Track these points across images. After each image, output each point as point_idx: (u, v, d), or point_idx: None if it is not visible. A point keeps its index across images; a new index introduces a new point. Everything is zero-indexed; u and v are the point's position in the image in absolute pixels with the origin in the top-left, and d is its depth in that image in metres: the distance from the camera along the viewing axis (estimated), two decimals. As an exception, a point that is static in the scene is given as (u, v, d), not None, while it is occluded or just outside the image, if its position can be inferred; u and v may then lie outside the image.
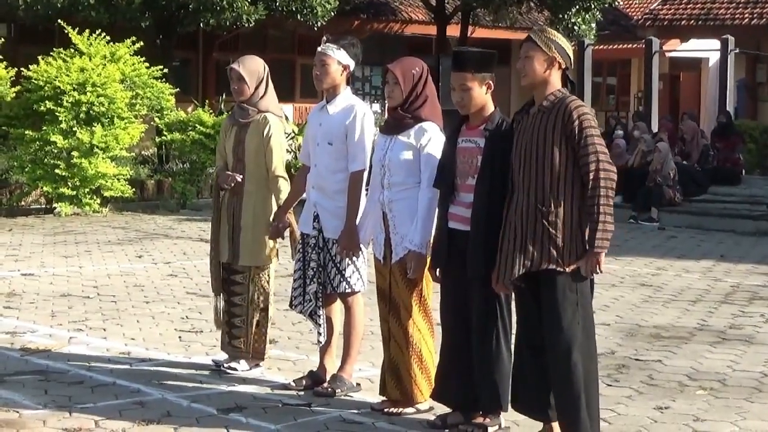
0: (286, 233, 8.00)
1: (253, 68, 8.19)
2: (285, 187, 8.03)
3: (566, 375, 6.25)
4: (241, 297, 8.18)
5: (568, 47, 6.43)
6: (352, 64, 7.72)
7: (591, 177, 6.19)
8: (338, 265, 7.60)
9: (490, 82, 6.79)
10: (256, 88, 8.17)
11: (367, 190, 7.49)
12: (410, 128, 7.12)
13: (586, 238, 6.24)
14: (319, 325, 7.77)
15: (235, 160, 8.19)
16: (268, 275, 8.20)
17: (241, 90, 8.16)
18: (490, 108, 6.81)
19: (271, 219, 8.04)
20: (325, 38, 7.77)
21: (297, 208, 7.95)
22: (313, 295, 7.69)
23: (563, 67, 6.40)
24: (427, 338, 7.17)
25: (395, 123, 7.20)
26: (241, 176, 8.13)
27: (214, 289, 8.34)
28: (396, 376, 7.19)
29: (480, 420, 6.83)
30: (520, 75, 6.44)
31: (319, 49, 7.71)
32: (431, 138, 7.06)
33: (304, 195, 7.86)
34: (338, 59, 7.65)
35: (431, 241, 6.97)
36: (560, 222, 6.24)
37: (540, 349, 6.41)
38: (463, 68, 6.77)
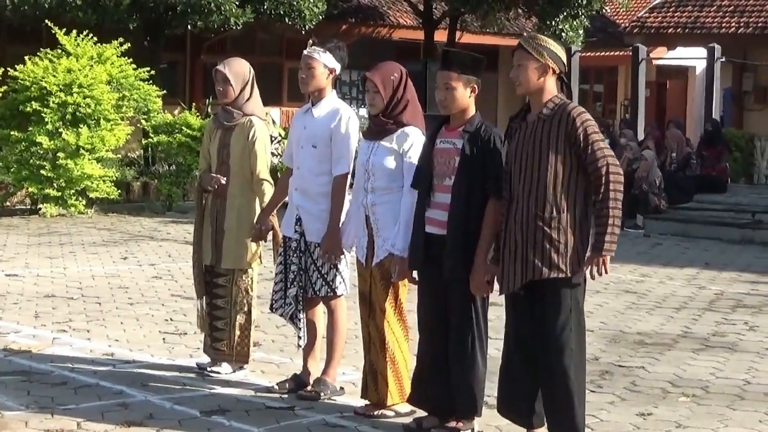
0: (269, 236, 7.99)
1: (238, 71, 8.18)
2: (269, 191, 8.02)
3: (560, 380, 6.25)
4: (224, 300, 8.17)
5: (561, 52, 6.40)
6: (338, 67, 7.71)
7: (602, 181, 6.15)
8: (320, 268, 7.60)
9: (475, 85, 6.79)
10: (241, 90, 8.16)
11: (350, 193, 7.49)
12: (392, 133, 7.12)
13: (593, 240, 6.21)
14: (300, 328, 7.78)
15: (219, 162, 8.18)
16: (251, 278, 8.19)
17: (226, 92, 8.15)
18: (472, 111, 6.82)
19: (254, 222, 8.04)
20: (311, 41, 7.75)
21: (280, 211, 7.95)
22: (293, 299, 7.69)
23: (557, 72, 6.38)
24: (401, 342, 7.18)
25: (377, 129, 7.21)
26: (225, 178, 8.12)
27: (197, 292, 8.33)
28: (376, 380, 7.21)
29: (453, 424, 6.84)
30: (515, 84, 6.41)
31: (305, 52, 7.70)
32: (414, 143, 7.07)
33: (287, 198, 7.86)
34: (324, 62, 7.64)
35: None
36: (562, 229, 6.22)
37: (530, 355, 6.41)
38: (450, 67, 6.78)
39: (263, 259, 8.38)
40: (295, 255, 7.69)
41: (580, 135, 6.18)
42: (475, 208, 6.59)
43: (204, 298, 8.27)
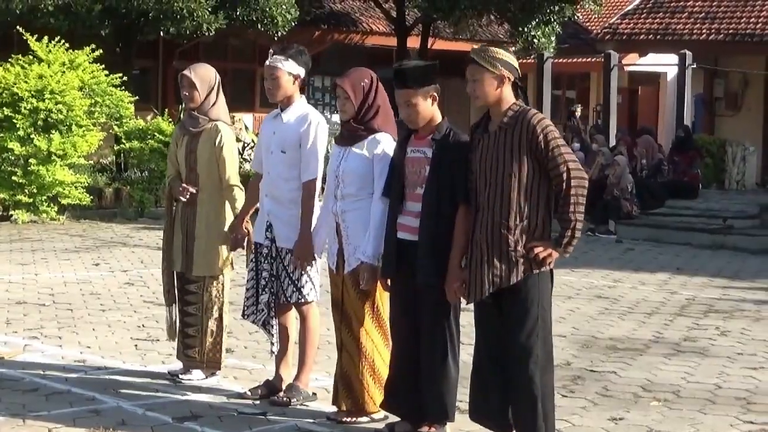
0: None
1: (204, 76, 8.16)
2: (240, 196, 8.01)
3: (524, 386, 6.30)
4: (195, 306, 8.14)
5: (513, 59, 6.41)
6: (302, 71, 7.68)
7: (563, 186, 6.23)
8: (291, 274, 7.59)
9: (435, 93, 6.80)
10: (207, 95, 8.13)
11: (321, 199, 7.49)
12: (364, 140, 7.12)
13: (556, 236, 6.28)
14: (272, 335, 7.78)
15: (188, 169, 8.16)
16: (223, 284, 8.17)
17: (192, 97, 8.13)
18: (438, 118, 6.83)
19: (225, 228, 8.03)
20: (271, 51, 7.72)
21: (253, 217, 7.94)
22: (265, 305, 7.69)
23: (512, 79, 6.40)
24: (380, 348, 7.17)
25: (349, 135, 7.20)
26: (196, 188, 8.10)
27: (167, 300, 8.31)
28: (347, 386, 7.20)
29: (426, 429, 6.85)
30: (472, 98, 6.43)
31: (267, 62, 7.68)
32: (384, 149, 7.07)
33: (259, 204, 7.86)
34: (288, 70, 7.62)
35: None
36: (526, 236, 6.28)
37: (500, 361, 6.43)
38: (406, 85, 6.78)
39: (235, 265, 8.36)
40: (266, 261, 7.68)
41: (541, 142, 6.23)
42: (446, 216, 6.61)
43: (174, 305, 8.26)
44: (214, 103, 8.14)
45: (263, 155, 7.77)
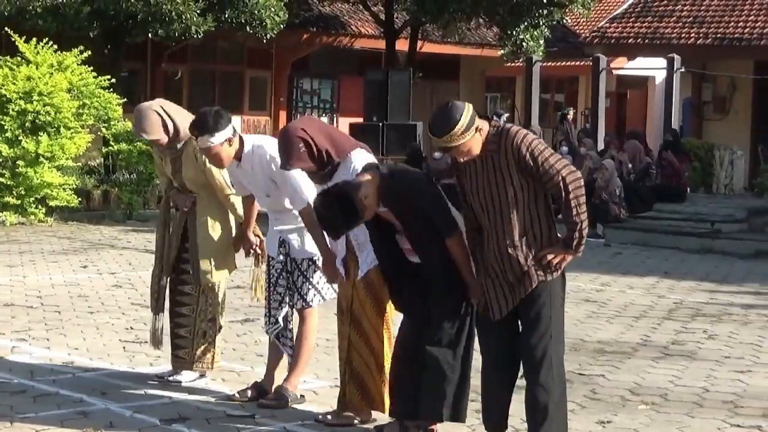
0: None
1: (151, 125, 7.93)
2: (238, 202, 8.01)
3: (538, 388, 6.36)
4: (189, 308, 8.11)
5: (467, 109, 6.30)
6: (230, 130, 7.61)
7: (562, 194, 6.27)
8: (311, 279, 7.67)
9: (366, 194, 6.67)
10: (166, 131, 7.97)
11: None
12: (335, 172, 7.13)
13: (564, 237, 6.34)
14: (288, 347, 7.75)
15: (179, 184, 8.14)
16: (218, 287, 8.14)
17: (161, 143, 7.99)
18: (378, 180, 6.76)
19: (226, 235, 8.04)
20: (194, 134, 7.60)
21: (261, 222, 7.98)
22: (282, 319, 7.70)
23: (478, 119, 6.36)
24: (387, 351, 7.18)
25: (323, 176, 7.17)
26: (195, 197, 8.07)
27: (153, 308, 8.28)
28: (360, 386, 7.19)
29: (414, 431, 6.87)
30: (470, 156, 6.41)
31: (197, 146, 7.64)
32: (357, 168, 7.02)
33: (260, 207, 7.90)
34: (220, 142, 7.57)
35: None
36: (534, 248, 6.34)
37: (508, 368, 6.53)
38: (348, 229, 6.81)
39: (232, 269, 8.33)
40: (281, 277, 7.69)
41: (530, 160, 6.26)
42: (436, 247, 6.69)
43: (161, 314, 8.23)
44: (176, 129, 7.98)
45: (257, 200, 7.84)
